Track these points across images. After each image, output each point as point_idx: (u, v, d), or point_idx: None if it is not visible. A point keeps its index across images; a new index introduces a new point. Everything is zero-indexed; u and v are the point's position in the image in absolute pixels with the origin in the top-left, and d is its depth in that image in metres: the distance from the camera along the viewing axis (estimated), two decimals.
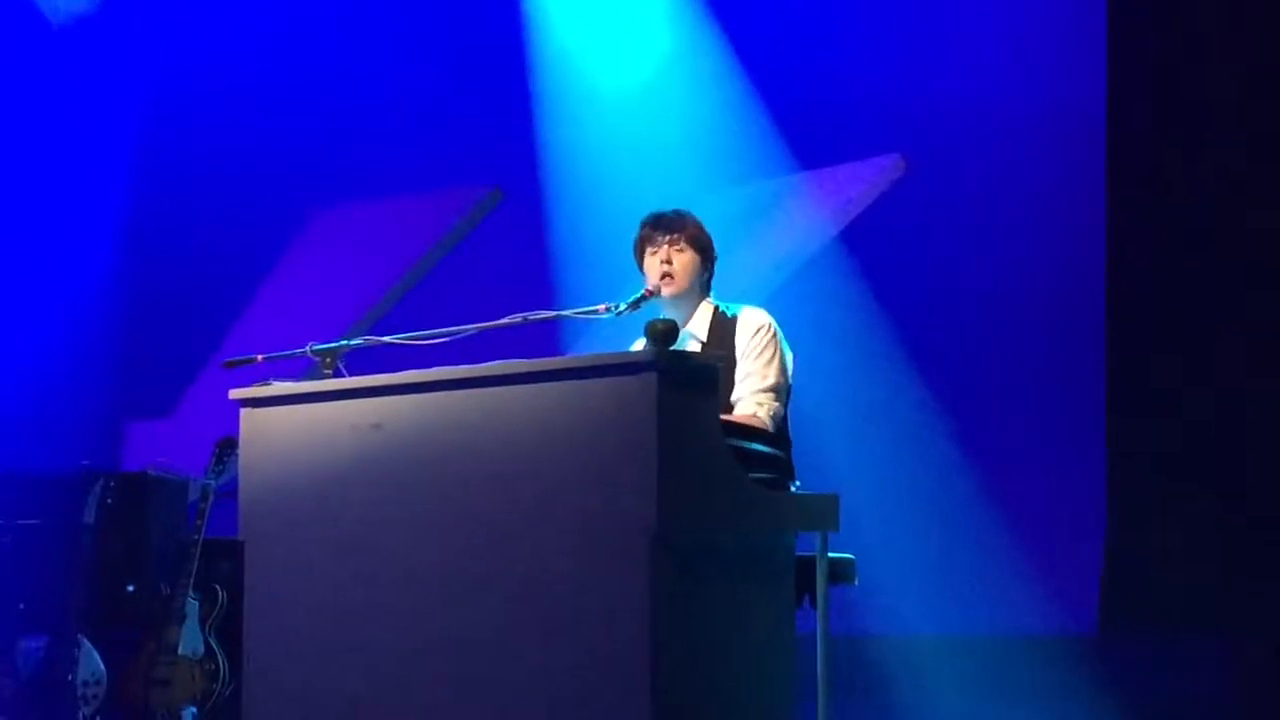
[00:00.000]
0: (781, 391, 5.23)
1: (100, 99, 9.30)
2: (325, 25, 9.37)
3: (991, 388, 8.11)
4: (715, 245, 5.44)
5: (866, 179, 8.35)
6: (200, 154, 9.44)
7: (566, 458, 4.35)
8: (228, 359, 5.45)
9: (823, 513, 4.64)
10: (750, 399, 5.17)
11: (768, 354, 5.23)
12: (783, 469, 4.96)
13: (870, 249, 8.31)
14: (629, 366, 4.28)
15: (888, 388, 8.19)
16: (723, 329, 5.32)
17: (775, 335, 5.28)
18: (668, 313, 5.35)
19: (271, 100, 9.40)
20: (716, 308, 5.39)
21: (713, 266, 5.44)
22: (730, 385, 5.21)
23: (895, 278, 8.22)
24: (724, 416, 4.83)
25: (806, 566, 4.72)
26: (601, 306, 5.16)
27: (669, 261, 5.36)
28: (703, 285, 5.41)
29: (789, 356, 5.30)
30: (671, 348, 4.38)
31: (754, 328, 5.28)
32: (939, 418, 8.10)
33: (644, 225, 5.43)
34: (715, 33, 8.75)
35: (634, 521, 4.18)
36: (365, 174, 9.39)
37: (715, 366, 4.54)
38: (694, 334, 5.35)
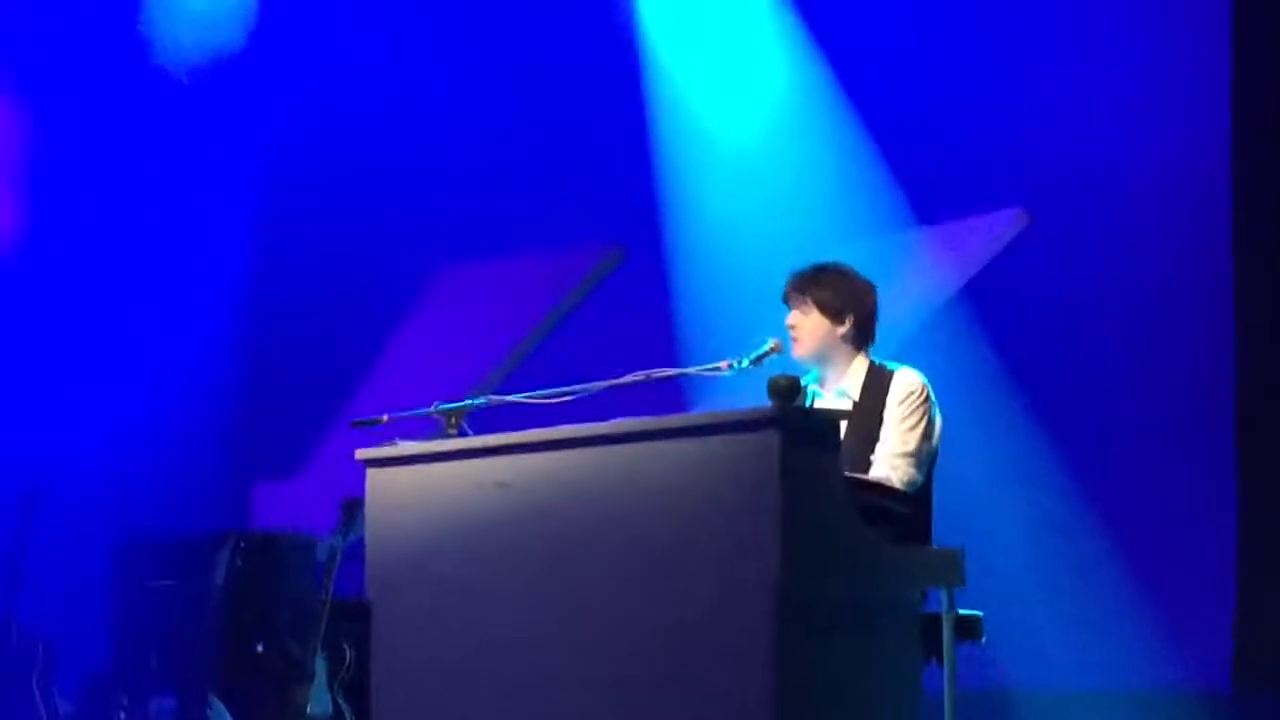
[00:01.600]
0: (921, 457, 5.19)
1: (225, 158, 9.39)
2: (450, 85, 9.44)
3: (1119, 442, 8.02)
4: (869, 294, 5.39)
5: (988, 233, 8.31)
6: (326, 213, 9.53)
7: (690, 515, 4.36)
8: (354, 419, 5.50)
9: (948, 568, 4.62)
10: (884, 461, 5.15)
11: (913, 419, 5.20)
12: (914, 528, 4.94)
13: (992, 304, 8.26)
14: (751, 423, 4.30)
15: (1012, 443, 8.12)
16: (877, 386, 5.29)
17: (926, 400, 5.24)
18: (819, 369, 5.39)
19: (396, 159, 9.48)
20: (873, 364, 5.37)
21: (861, 323, 5.37)
22: (874, 442, 5.19)
23: (1018, 333, 8.16)
24: (855, 475, 4.84)
25: (934, 623, 4.70)
26: (724, 363, 5.17)
27: (793, 324, 5.38)
28: (851, 341, 5.37)
29: (938, 422, 5.26)
30: (808, 404, 4.39)
31: (905, 391, 5.24)
32: (1066, 472, 8.02)
33: (787, 280, 5.44)
34: (834, 84, 8.75)
35: (758, 577, 4.18)
36: (489, 233, 9.44)
37: (836, 421, 4.55)
38: (847, 391, 5.33)
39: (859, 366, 5.37)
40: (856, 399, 5.30)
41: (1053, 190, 8.15)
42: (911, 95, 8.47)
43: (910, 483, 5.13)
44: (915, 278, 8.38)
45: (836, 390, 5.36)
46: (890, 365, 5.36)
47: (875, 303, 5.43)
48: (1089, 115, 8.13)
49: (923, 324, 8.28)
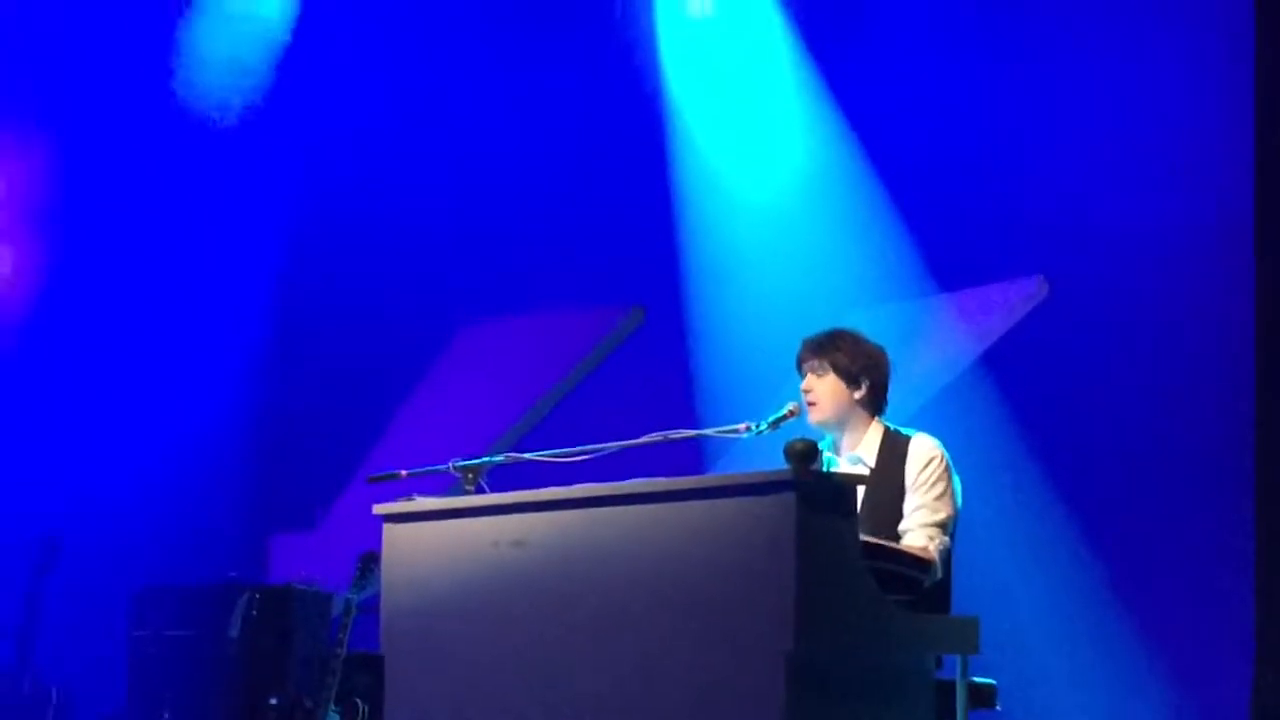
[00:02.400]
0: (950, 526, 5.20)
1: (247, 212, 9.35)
2: (475, 141, 9.45)
3: (1137, 510, 7.98)
4: (882, 360, 5.41)
5: (1007, 302, 8.31)
6: (348, 269, 9.53)
7: (705, 577, 4.37)
8: (372, 474, 5.50)
9: (963, 635, 4.61)
10: (921, 532, 5.14)
11: (940, 486, 5.20)
12: (933, 596, 4.96)
13: (1012, 373, 8.24)
14: (767, 486, 4.31)
15: (1030, 513, 8.09)
16: (893, 453, 5.29)
17: (947, 467, 5.24)
18: (833, 435, 5.39)
19: (419, 216, 9.47)
20: (888, 430, 5.37)
21: (876, 389, 5.39)
22: (894, 510, 5.20)
23: (1036, 401, 8.13)
24: (875, 540, 4.85)
25: (948, 690, 4.69)
26: (742, 426, 5.17)
27: (809, 389, 5.38)
28: (867, 406, 5.38)
29: (959, 488, 5.27)
30: (817, 467, 4.38)
31: (925, 458, 5.24)
32: (1084, 543, 7.99)
33: (801, 346, 5.45)
34: (856, 147, 8.76)
35: (772, 641, 4.19)
36: (509, 291, 9.43)
37: (854, 486, 4.56)
38: (862, 458, 5.33)
39: (874, 432, 5.37)
40: (872, 465, 5.30)
41: (1072, 257, 8.12)
42: (933, 159, 8.46)
43: (943, 551, 5.14)
44: (932, 345, 8.36)
45: (851, 456, 5.36)
46: (905, 431, 5.37)
47: (889, 368, 5.45)
48: (1110, 181, 8.11)
49: (939, 392, 8.26)
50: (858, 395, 5.37)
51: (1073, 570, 8.00)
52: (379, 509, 5.15)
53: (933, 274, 8.47)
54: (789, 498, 4.25)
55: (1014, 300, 8.29)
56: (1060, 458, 8.08)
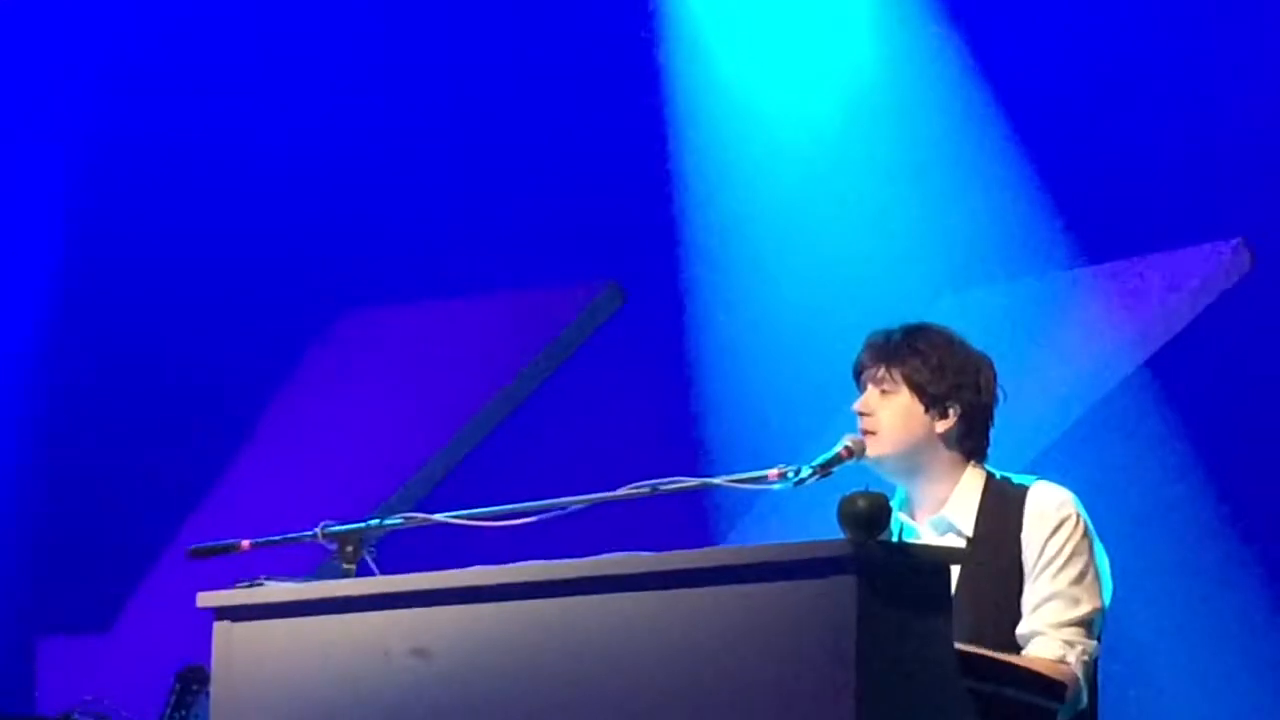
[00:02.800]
0: (1098, 624, 5.23)
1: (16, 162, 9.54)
2: (359, 53, 9.58)
3: None
4: (984, 377, 5.45)
5: (1194, 276, 8.36)
6: (157, 231, 9.74)
7: (718, 702, 4.36)
8: (195, 546, 5.53)
9: None
10: (1053, 635, 5.17)
11: (1079, 563, 5.23)
12: None
13: (1198, 379, 8.30)
14: (813, 565, 4.30)
15: (1213, 569, 8.18)
16: (1002, 514, 5.33)
17: (1087, 531, 5.28)
18: (901, 485, 5.43)
19: (270, 159, 9.66)
20: (991, 478, 5.42)
21: (976, 419, 5.43)
22: (1007, 602, 5.23)
23: (1226, 412, 8.20)
24: (1011, 659, 4.91)
25: None
26: (773, 471, 5.22)
27: (867, 411, 5.40)
28: (958, 445, 5.42)
29: (1106, 564, 5.30)
30: (885, 537, 4.39)
31: (1054, 519, 5.26)
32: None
33: (863, 347, 5.50)
34: (945, 60, 8.88)
35: None
36: (413, 263, 9.52)
37: (945, 564, 4.56)
38: (954, 522, 5.37)
39: (971, 483, 5.41)
40: (970, 534, 5.33)
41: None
42: (1069, 81, 8.59)
43: (1089, 662, 5.17)
44: (1069, 349, 8.43)
45: (935, 520, 5.40)
46: (1018, 479, 5.41)
47: (995, 390, 5.48)
48: None
49: (1084, 414, 8.32)
50: (942, 427, 5.41)
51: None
52: (207, 599, 5.15)
53: (1074, 241, 8.51)
54: (847, 583, 4.25)
55: (1203, 274, 8.33)
56: (1257, 492, 8.15)
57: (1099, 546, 5.30)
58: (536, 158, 9.45)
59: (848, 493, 4.40)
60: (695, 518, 8.31)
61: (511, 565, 4.72)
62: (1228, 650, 8.18)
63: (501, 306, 9.49)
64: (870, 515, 4.33)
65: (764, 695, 4.32)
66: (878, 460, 5.37)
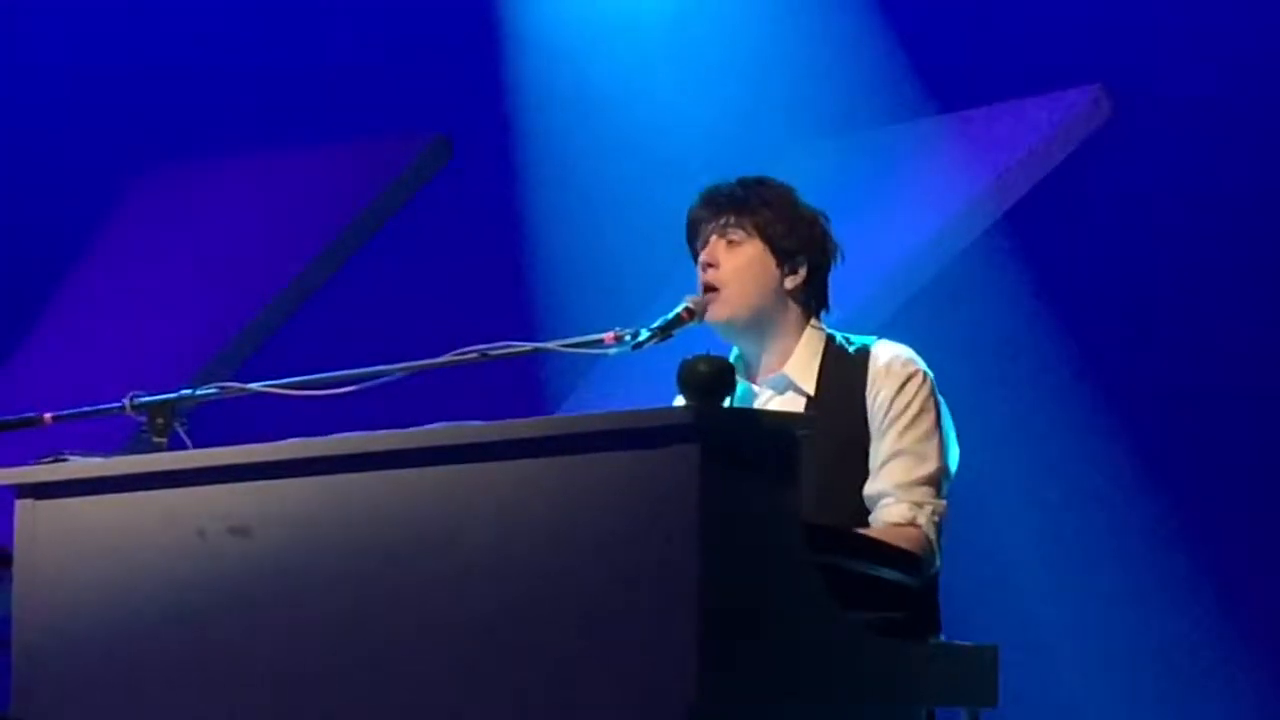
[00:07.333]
0: (945, 483, 5.23)
1: None
2: None
3: (1214, 448, 8.13)
4: (827, 233, 5.45)
5: (1050, 124, 8.39)
6: None
7: (552, 585, 4.33)
8: None
9: (974, 678, 4.64)
10: (902, 496, 5.16)
11: (925, 421, 5.23)
12: (919, 609, 4.97)
13: (1051, 237, 8.32)
14: (653, 434, 4.25)
15: (1054, 450, 8.23)
16: (844, 372, 5.32)
17: (932, 389, 5.28)
18: (739, 345, 5.41)
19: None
20: (831, 340, 5.40)
21: (818, 274, 5.43)
22: (852, 465, 5.22)
23: (1089, 284, 8.22)
24: (862, 532, 4.95)
25: None
26: (609, 334, 5.19)
27: (713, 263, 5.36)
28: (802, 301, 5.40)
29: (951, 425, 5.30)
30: (728, 402, 4.35)
31: (900, 376, 5.26)
32: (1158, 522, 8.13)
33: (697, 200, 5.45)
34: None
35: (662, 692, 4.14)
36: (218, 116, 9.41)
37: (794, 429, 4.48)
38: (794, 380, 5.34)
39: (811, 343, 5.39)
40: (811, 393, 5.32)
41: (1143, 61, 8.21)
42: None
43: (939, 523, 5.16)
44: (929, 192, 8.45)
45: (773, 379, 5.37)
46: (858, 340, 5.41)
47: (835, 244, 5.50)
48: None
49: (936, 276, 8.34)
50: (791, 283, 5.39)
51: (1137, 562, 8.12)
52: (6, 476, 5.14)
53: (929, 88, 8.56)
54: (689, 452, 4.19)
55: (1059, 123, 8.35)
56: (1125, 373, 8.17)
57: (944, 406, 5.31)
58: (357, 2, 9.40)
59: (688, 356, 4.35)
60: (528, 386, 8.33)
61: (334, 437, 4.68)
62: (1078, 505, 8.31)
63: (321, 161, 9.47)
64: (713, 380, 4.31)
65: (601, 570, 4.28)
66: (724, 321, 5.35)
